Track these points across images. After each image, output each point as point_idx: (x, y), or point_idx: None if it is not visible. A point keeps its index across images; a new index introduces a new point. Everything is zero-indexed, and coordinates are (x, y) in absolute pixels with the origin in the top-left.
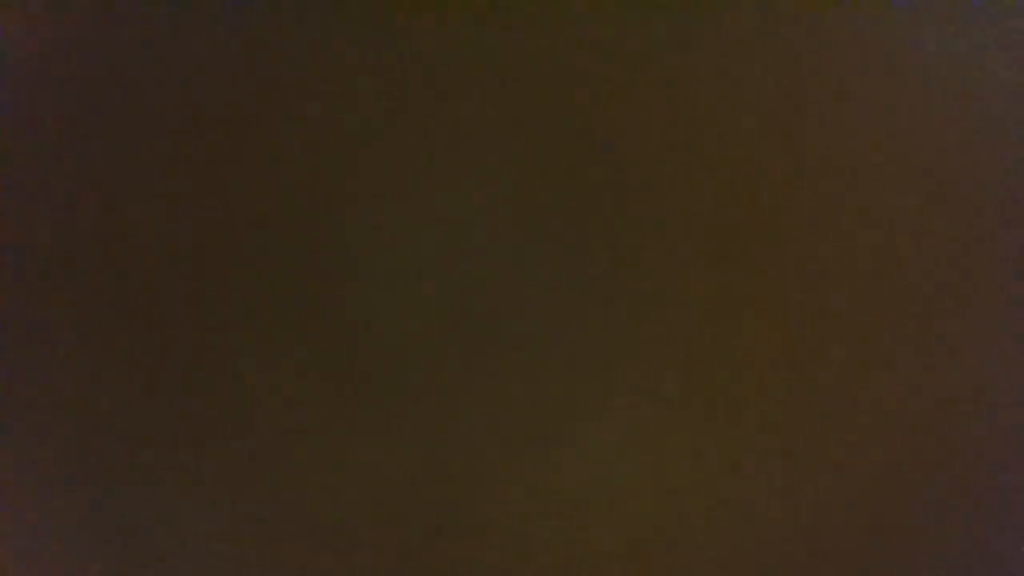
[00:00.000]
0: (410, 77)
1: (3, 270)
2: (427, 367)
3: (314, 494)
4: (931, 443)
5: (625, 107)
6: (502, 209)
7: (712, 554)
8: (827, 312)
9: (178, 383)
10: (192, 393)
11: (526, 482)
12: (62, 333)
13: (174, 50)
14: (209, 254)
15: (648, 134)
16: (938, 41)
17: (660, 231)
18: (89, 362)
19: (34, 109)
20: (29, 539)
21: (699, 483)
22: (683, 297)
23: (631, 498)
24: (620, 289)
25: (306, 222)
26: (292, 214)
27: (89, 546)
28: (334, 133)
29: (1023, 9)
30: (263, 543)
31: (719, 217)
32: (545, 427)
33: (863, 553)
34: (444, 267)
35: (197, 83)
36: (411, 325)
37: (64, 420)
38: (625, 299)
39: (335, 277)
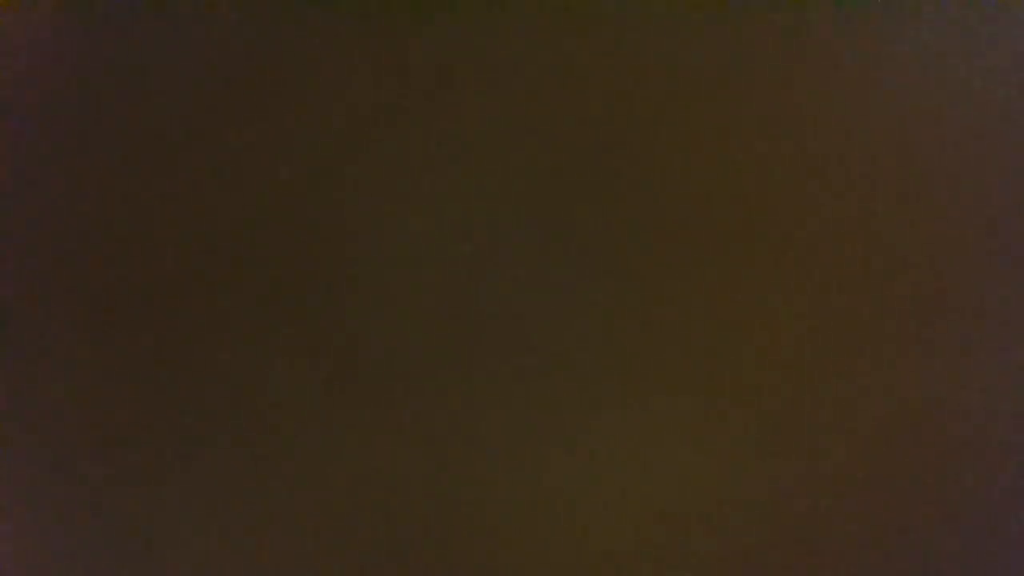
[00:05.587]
0: (409, 78)
1: (3, 270)
2: (426, 367)
3: (313, 494)
4: (933, 441)
5: (625, 107)
6: (503, 209)
7: (714, 553)
8: (829, 311)
9: (176, 384)
10: (190, 393)
11: (526, 482)
12: (61, 333)
13: (172, 50)
14: (207, 255)
15: (649, 134)
16: (939, 40)
17: (660, 231)
18: (86, 362)
19: (34, 109)
20: (29, 539)
21: (701, 482)
22: (684, 297)
23: (632, 498)
24: (621, 289)
25: (306, 222)
26: (292, 215)
27: (87, 546)
28: (333, 133)
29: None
30: (263, 543)
31: (720, 217)
32: (545, 427)
33: (865, 552)
34: (444, 267)
35: (195, 84)
36: (410, 325)
37: (63, 420)
38: (626, 299)
39: (335, 277)
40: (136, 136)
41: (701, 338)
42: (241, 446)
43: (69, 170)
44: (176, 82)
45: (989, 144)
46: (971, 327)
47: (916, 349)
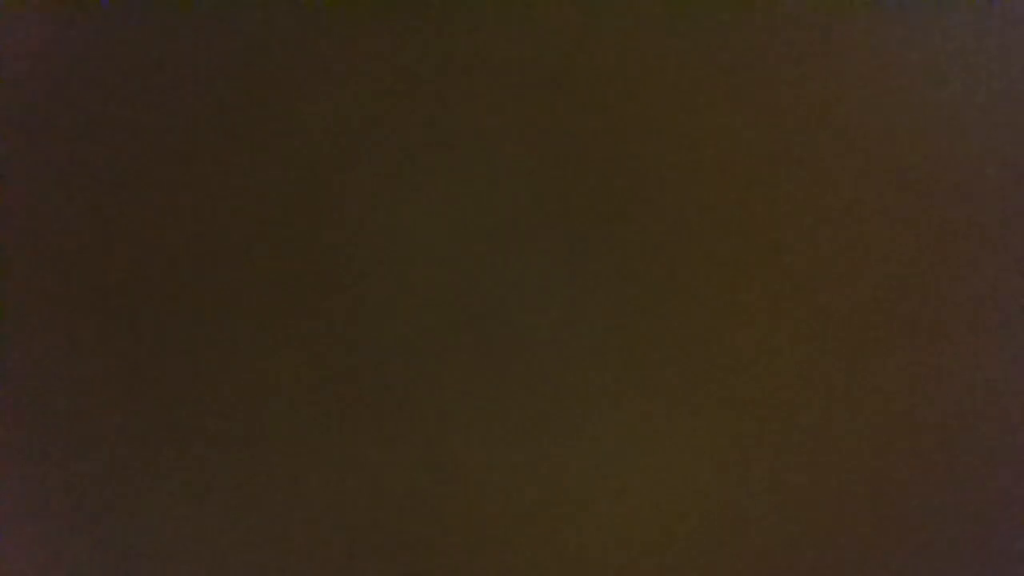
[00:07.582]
0: (410, 78)
1: (3, 270)
2: (428, 366)
3: (313, 494)
4: (931, 442)
5: (627, 108)
6: (504, 208)
7: (714, 553)
8: (828, 312)
9: (177, 383)
10: (191, 393)
11: (526, 481)
12: (63, 335)
13: (173, 50)
14: (208, 254)
15: (650, 135)
16: (938, 41)
17: (660, 232)
18: (88, 362)
19: (34, 109)
20: (29, 539)
21: (700, 482)
22: (684, 297)
23: (632, 498)
24: (620, 289)
25: (306, 222)
26: (292, 214)
27: (87, 546)
28: (334, 133)
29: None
30: (262, 543)
31: (720, 218)
32: (546, 426)
33: (864, 552)
34: (445, 267)
35: (196, 83)
36: (411, 325)
37: (63, 420)
38: (625, 299)
39: (336, 277)
40: (139, 137)
41: (700, 339)
42: (241, 445)
43: (72, 172)
44: (178, 83)
45: (988, 143)
46: (969, 328)
47: (913, 351)
